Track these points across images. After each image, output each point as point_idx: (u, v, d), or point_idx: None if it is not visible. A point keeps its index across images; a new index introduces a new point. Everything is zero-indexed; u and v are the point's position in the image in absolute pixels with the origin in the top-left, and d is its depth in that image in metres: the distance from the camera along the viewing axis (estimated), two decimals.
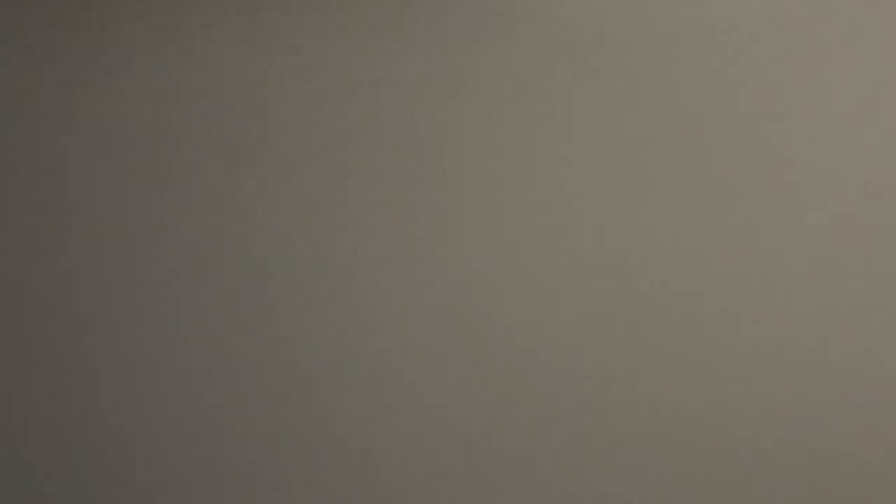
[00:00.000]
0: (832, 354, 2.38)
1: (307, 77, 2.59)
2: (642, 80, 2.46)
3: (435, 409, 2.53)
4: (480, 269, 2.51)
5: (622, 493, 2.46)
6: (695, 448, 2.43)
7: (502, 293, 2.50)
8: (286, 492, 2.58)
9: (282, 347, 2.59)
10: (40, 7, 2.70)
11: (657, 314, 2.44)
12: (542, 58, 2.50)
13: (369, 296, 2.55)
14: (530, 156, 2.50)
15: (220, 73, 2.63)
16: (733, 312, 2.41)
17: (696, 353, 2.42)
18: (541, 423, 2.49)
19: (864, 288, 2.37)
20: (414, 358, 2.54)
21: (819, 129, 2.39)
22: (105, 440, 2.65)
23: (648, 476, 2.45)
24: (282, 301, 2.58)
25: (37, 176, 2.69)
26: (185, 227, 2.63)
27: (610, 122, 2.47)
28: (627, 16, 2.47)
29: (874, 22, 2.37)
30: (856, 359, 2.37)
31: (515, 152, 2.51)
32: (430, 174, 2.54)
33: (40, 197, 2.69)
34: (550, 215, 2.49)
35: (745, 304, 2.41)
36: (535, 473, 2.49)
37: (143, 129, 2.65)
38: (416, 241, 2.54)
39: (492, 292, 2.51)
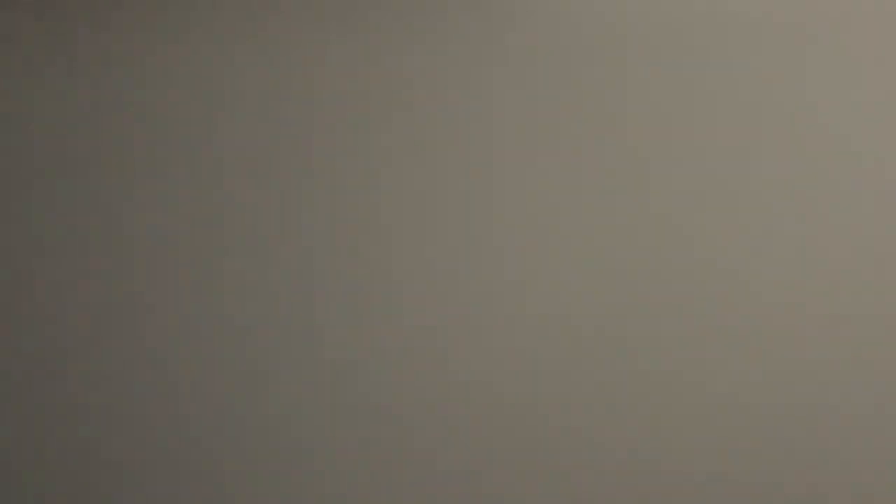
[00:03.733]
0: (834, 355, 2.38)
1: (303, 78, 2.59)
2: (643, 79, 2.46)
3: (433, 411, 2.52)
4: (479, 268, 2.51)
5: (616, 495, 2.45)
6: (697, 454, 2.43)
7: (507, 293, 2.50)
8: (277, 494, 2.57)
9: (275, 350, 2.58)
10: (40, 7, 2.70)
11: (660, 314, 2.43)
12: (543, 57, 2.50)
13: (369, 296, 2.55)
14: (532, 157, 2.50)
15: (215, 73, 2.63)
16: (736, 313, 2.41)
17: (699, 357, 2.42)
18: (540, 428, 2.48)
19: (866, 287, 2.37)
20: (411, 360, 2.53)
21: (821, 128, 2.39)
22: (99, 441, 2.64)
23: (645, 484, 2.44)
24: (274, 303, 2.58)
25: (33, 176, 2.69)
26: (176, 227, 2.62)
27: (613, 121, 2.47)
28: (627, 15, 2.47)
29: (876, 21, 2.38)
30: (856, 359, 2.37)
31: (517, 153, 2.51)
32: (429, 175, 2.54)
33: (38, 198, 2.68)
34: (552, 215, 2.49)
35: (747, 303, 2.41)
36: (533, 477, 2.48)
37: (139, 128, 2.65)
38: (414, 242, 2.54)
39: (497, 291, 2.50)
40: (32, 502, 2.65)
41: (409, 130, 2.54)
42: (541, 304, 2.48)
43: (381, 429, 2.53)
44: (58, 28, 2.68)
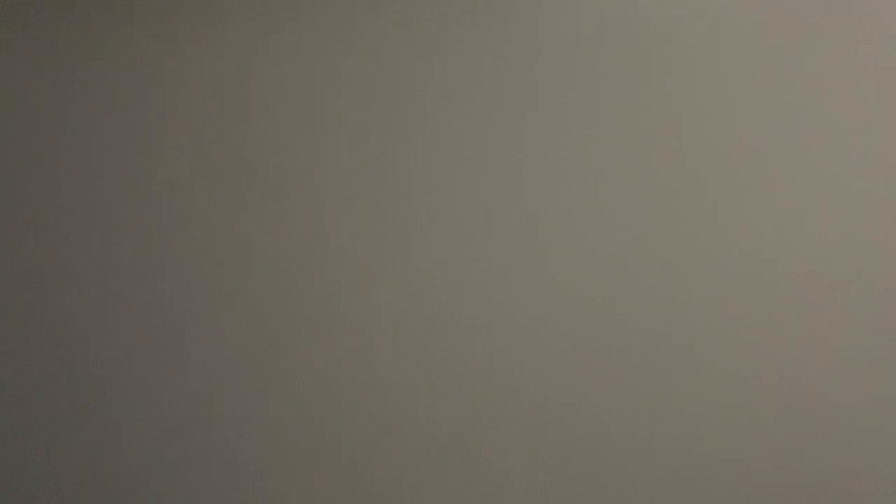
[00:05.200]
0: (833, 355, 2.38)
1: (296, 76, 2.58)
2: (639, 79, 2.45)
3: (423, 412, 2.53)
4: (475, 267, 2.51)
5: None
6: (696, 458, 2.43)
7: (499, 292, 2.50)
8: (275, 493, 2.58)
9: (270, 349, 2.58)
10: (40, 6, 2.68)
11: (671, 310, 2.43)
12: (538, 56, 2.49)
13: (362, 296, 2.55)
14: (525, 156, 2.50)
15: (210, 72, 2.62)
16: (730, 312, 2.41)
17: (695, 360, 2.42)
18: (530, 430, 2.49)
19: (864, 285, 2.37)
20: (403, 361, 2.53)
21: (817, 128, 2.39)
22: (98, 441, 2.64)
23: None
24: (272, 302, 2.58)
25: (34, 175, 2.68)
26: (172, 227, 2.62)
27: (608, 121, 2.46)
28: (623, 15, 2.46)
29: (874, 21, 2.37)
30: (856, 359, 2.37)
31: (510, 152, 2.50)
32: (422, 173, 2.53)
33: (38, 197, 2.68)
34: (564, 213, 2.48)
35: (757, 299, 2.40)
36: (522, 479, 2.49)
37: (134, 126, 2.64)
38: (407, 240, 2.53)
39: (489, 292, 2.50)
40: (51, 500, 2.66)
41: (420, 129, 2.53)
42: (553, 301, 2.48)
43: (397, 425, 2.53)
44: (66, 26, 2.67)
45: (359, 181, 2.55)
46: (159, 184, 2.62)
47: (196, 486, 2.60)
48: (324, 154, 2.57)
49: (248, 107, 2.60)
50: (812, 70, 2.38)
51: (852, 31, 2.37)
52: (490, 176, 2.50)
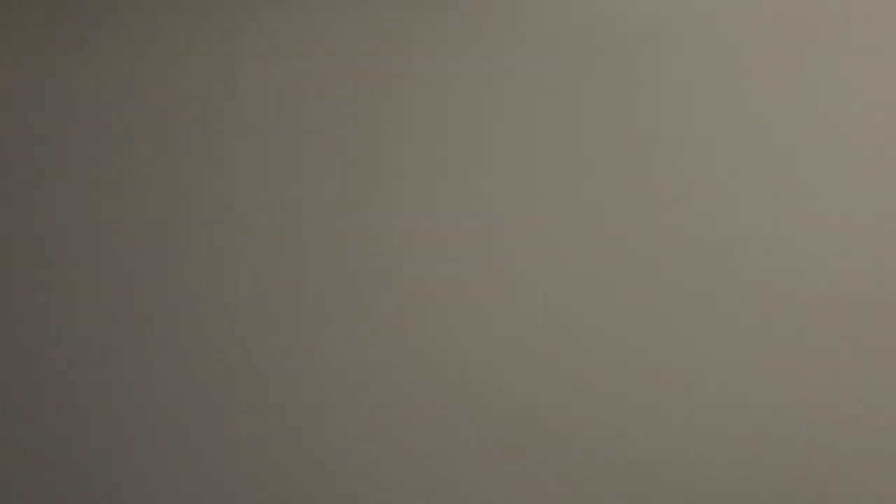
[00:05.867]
0: (833, 355, 2.38)
1: (298, 76, 2.59)
2: (646, 77, 2.46)
3: (438, 409, 2.53)
4: (477, 268, 2.51)
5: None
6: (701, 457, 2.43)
7: (505, 293, 2.50)
8: (271, 495, 2.58)
9: (278, 351, 2.58)
10: (39, 5, 2.70)
11: (664, 312, 2.43)
12: (539, 56, 2.50)
13: (373, 293, 2.55)
14: (518, 158, 2.50)
15: (211, 71, 2.63)
16: (741, 310, 2.41)
17: (704, 355, 2.42)
18: (548, 427, 2.49)
19: (861, 286, 2.37)
20: (389, 365, 2.54)
21: (814, 129, 2.39)
22: (97, 443, 2.65)
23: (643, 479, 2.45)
24: (279, 304, 2.58)
25: (34, 174, 2.69)
26: (182, 226, 2.62)
27: (602, 122, 2.47)
28: (616, 16, 2.47)
29: (872, 22, 2.37)
30: (855, 360, 2.37)
31: (501, 154, 2.51)
32: (427, 175, 2.54)
33: (38, 195, 2.69)
34: (556, 212, 2.48)
35: (753, 300, 2.41)
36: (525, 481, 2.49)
37: (144, 123, 2.65)
38: (408, 241, 2.54)
39: (478, 294, 2.50)
40: (40, 501, 2.66)
41: (414, 127, 2.54)
42: (546, 302, 2.48)
43: (385, 428, 2.53)
44: (65, 24, 2.68)
45: (349, 184, 2.55)
46: (150, 185, 2.63)
47: (186, 486, 2.60)
48: (314, 157, 2.57)
49: (238, 108, 2.60)
50: (808, 71, 2.39)
51: (852, 32, 2.37)
52: (482, 178, 2.51)
